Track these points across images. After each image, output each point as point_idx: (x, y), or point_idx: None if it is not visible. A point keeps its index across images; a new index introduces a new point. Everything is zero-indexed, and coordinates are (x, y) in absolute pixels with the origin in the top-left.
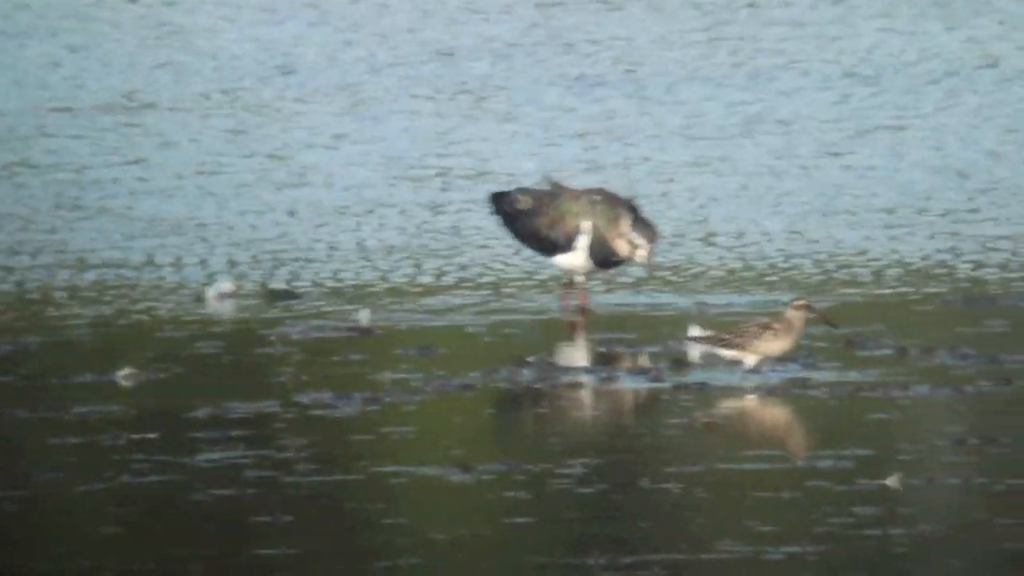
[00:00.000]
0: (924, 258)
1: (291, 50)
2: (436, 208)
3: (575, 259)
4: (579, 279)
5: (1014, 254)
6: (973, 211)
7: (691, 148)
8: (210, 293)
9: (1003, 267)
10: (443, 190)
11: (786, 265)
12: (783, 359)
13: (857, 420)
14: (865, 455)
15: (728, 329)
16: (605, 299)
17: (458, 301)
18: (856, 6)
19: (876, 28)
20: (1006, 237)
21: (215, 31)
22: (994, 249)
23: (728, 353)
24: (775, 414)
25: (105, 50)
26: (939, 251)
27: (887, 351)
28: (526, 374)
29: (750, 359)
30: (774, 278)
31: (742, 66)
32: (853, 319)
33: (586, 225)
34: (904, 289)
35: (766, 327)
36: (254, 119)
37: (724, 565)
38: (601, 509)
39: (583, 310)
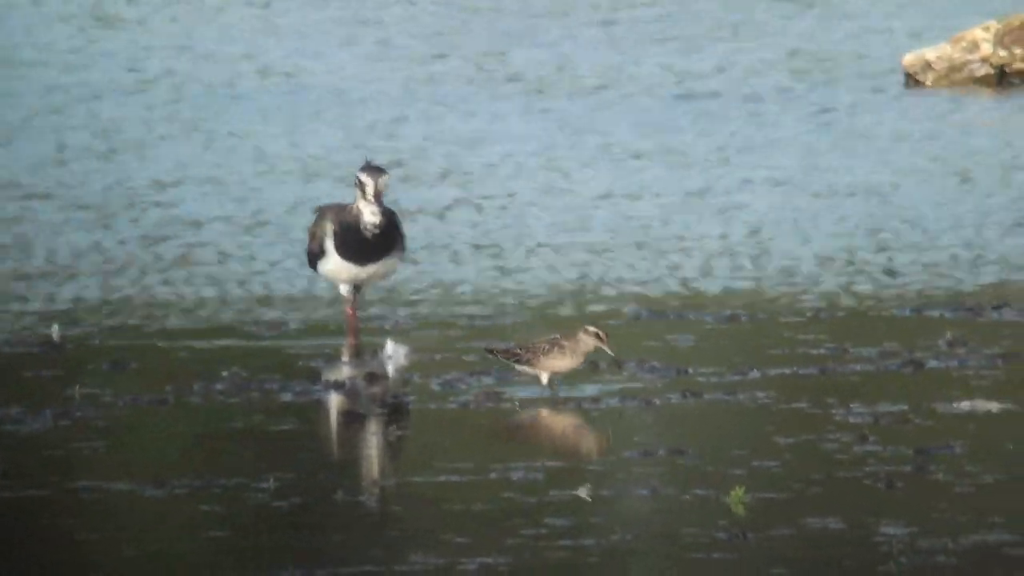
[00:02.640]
0: (613, 273)
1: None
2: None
3: (329, 261)
4: (345, 289)
5: (703, 268)
6: (663, 224)
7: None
8: None
9: (685, 283)
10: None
11: (493, 279)
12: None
13: (548, 432)
14: (556, 466)
15: (521, 345)
16: (307, 313)
17: (151, 316)
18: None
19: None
20: (690, 249)
21: None
22: (682, 263)
23: (521, 368)
24: (468, 427)
25: None
26: (628, 265)
27: None
28: (220, 389)
29: (543, 375)
30: (489, 293)
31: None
32: (546, 332)
33: (329, 227)
34: (595, 304)
35: (555, 344)
36: None
37: None
38: (296, 522)
39: (353, 328)
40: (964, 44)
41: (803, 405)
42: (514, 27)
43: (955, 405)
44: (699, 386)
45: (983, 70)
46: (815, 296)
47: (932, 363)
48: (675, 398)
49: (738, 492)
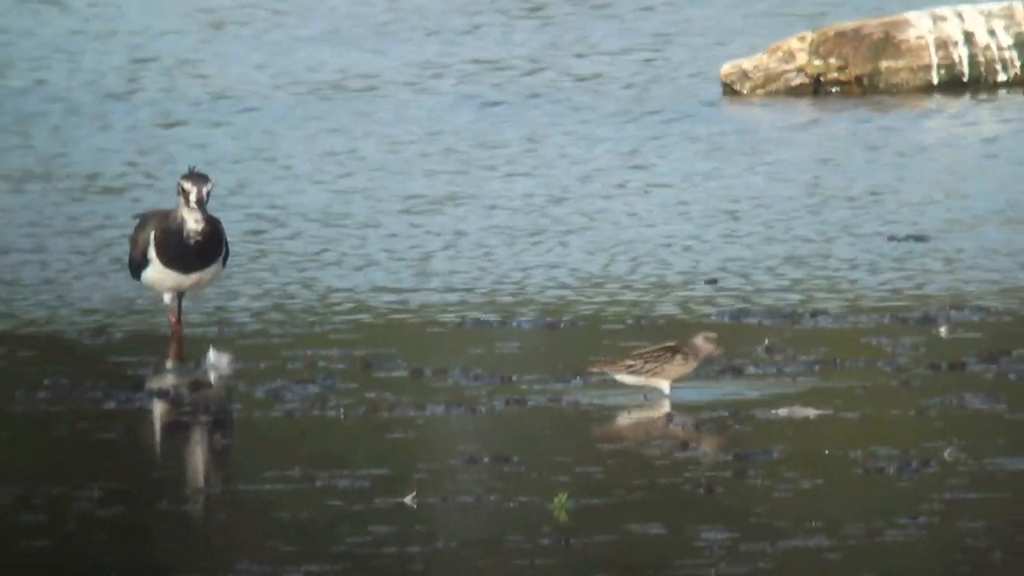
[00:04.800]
0: (440, 281)
1: None
2: None
3: (152, 269)
4: (168, 298)
5: (524, 275)
6: (486, 230)
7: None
8: None
9: (507, 290)
10: None
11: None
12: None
13: (374, 440)
14: (381, 474)
15: (636, 355)
16: (131, 321)
17: None
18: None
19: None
20: (511, 255)
21: None
22: (504, 269)
23: (635, 380)
24: (294, 435)
25: None
26: (455, 273)
27: (402, 372)
28: (43, 397)
29: (665, 384)
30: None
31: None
32: (370, 341)
33: (152, 234)
34: (421, 312)
35: (676, 351)
36: None
37: None
38: (121, 531)
39: (176, 337)
40: (780, 54)
41: (625, 412)
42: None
43: (773, 411)
44: (523, 393)
45: (799, 79)
46: (635, 303)
47: (751, 370)
48: (499, 405)
49: (561, 498)
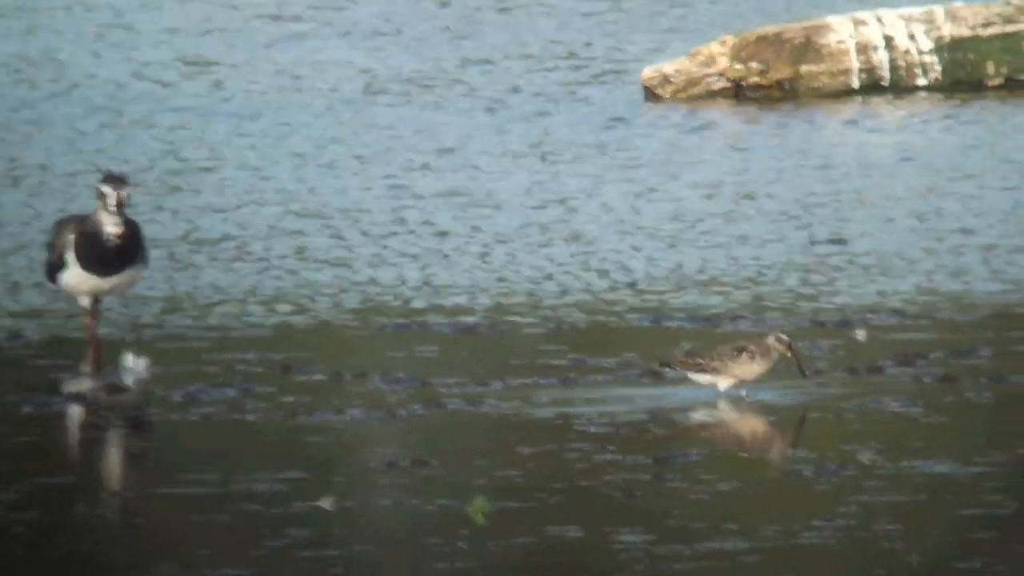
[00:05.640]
0: (360, 285)
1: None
2: None
3: (70, 273)
4: (86, 301)
5: (445, 278)
6: (410, 232)
7: None
8: None
9: (426, 293)
10: None
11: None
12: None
13: (292, 443)
14: (299, 477)
15: (704, 353)
16: (47, 324)
17: None
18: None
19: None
20: (432, 258)
21: None
22: (425, 272)
23: (700, 377)
24: (213, 438)
25: None
26: (376, 279)
27: (322, 376)
28: None
29: (724, 382)
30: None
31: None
32: (290, 345)
33: (70, 238)
34: (340, 316)
35: (744, 350)
36: None
37: None
38: (38, 535)
39: (94, 341)
40: (702, 58)
41: (544, 415)
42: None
43: (692, 414)
44: (442, 396)
45: (720, 84)
46: (555, 307)
47: (670, 373)
48: (419, 409)
49: (480, 502)
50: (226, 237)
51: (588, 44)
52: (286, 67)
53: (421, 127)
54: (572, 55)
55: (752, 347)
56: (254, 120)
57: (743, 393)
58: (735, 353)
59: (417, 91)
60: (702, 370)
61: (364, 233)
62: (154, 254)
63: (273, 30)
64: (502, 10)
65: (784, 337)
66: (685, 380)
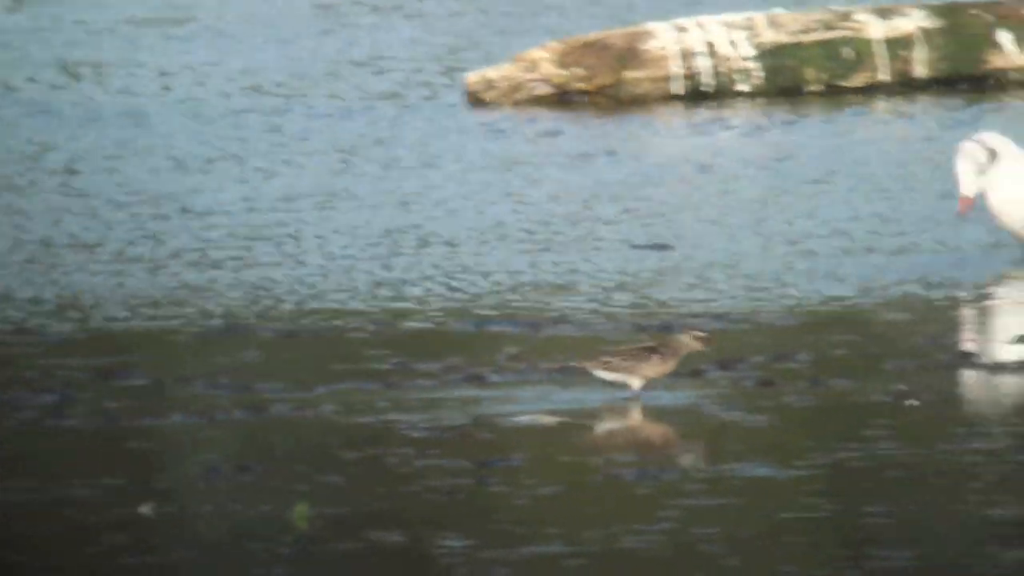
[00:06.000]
0: (182, 289)
1: None
2: None
3: None
4: None
5: (266, 281)
6: (226, 236)
7: None
8: None
9: (260, 300)
10: None
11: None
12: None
13: (112, 449)
14: (119, 484)
15: (613, 352)
16: None
17: None
18: None
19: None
20: (254, 262)
21: None
22: (248, 276)
23: (609, 376)
24: (30, 444)
25: None
26: (195, 283)
27: (143, 381)
28: None
29: (636, 381)
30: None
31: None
32: (111, 350)
33: None
34: (162, 320)
35: (654, 349)
36: None
37: None
38: None
39: None
40: (526, 63)
41: (367, 419)
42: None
43: (514, 419)
44: (264, 401)
45: (544, 89)
46: (378, 311)
47: (493, 378)
48: (240, 414)
49: (302, 507)
50: (47, 242)
51: (417, 46)
52: (152, 68)
53: (267, 129)
54: (415, 59)
55: (663, 347)
56: (116, 122)
57: (637, 394)
58: (647, 354)
59: (270, 93)
60: (614, 370)
61: (194, 236)
62: None
63: (150, 32)
64: (374, 9)
65: (702, 333)
66: (513, 384)
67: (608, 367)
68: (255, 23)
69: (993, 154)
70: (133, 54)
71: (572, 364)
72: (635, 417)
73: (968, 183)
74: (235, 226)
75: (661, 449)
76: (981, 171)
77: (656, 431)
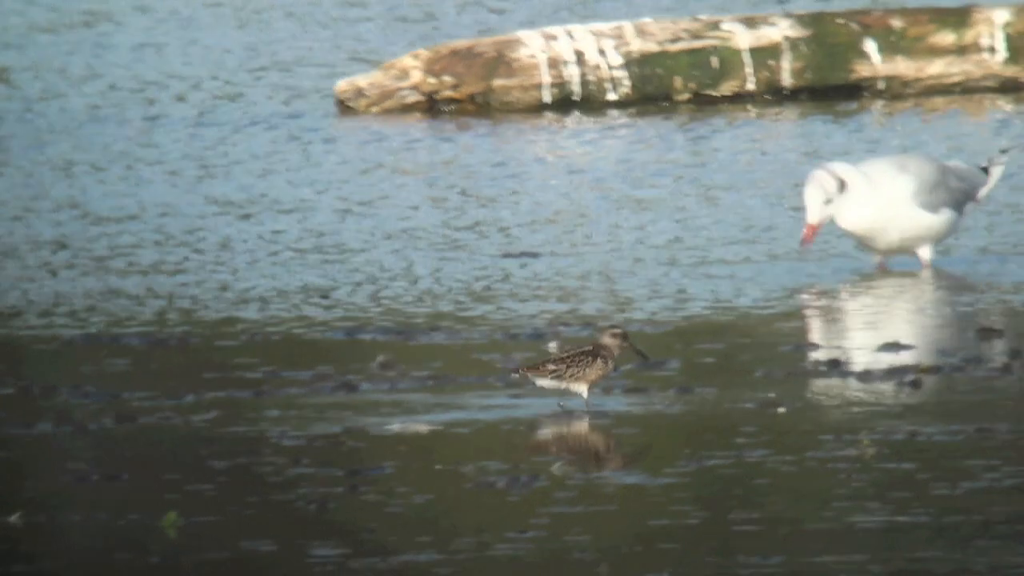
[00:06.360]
0: (47, 297)
1: None
2: None
3: None
4: None
5: (140, 287)
6: (107, 242)
7: None
8: None
9: (127, 305)
10: None
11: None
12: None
13: None
14: None
15: (552, 360)
16: None
17: None
18: None
19: None
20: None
21: None
22: (124, 290)
23: (558, 385)
24: None
25: None
26: (62, 290)
27: (9, 390)
28: None
29: (585, 388)
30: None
31: None
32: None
33: None
34: (29, 329)
35: (595, 354)
36: None
37: None
38: None
39: None
40: (395, 72)
41: (238, 428)
42: None
43: (386, 427)
44: (133, 410)
45: (413, 97)
46: (249, 319)
47: (365, 386)
48: (109, 423)
49: (171, 516)
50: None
51: (291, 53)
52: (48, 72)
53: (134, 135)
54: (276, 67)
55: (602, 350)
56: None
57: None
58: (590, 359)
59: (148, 98)
60: (560, 378)
61: (61, 245)
62: None
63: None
64: (288, 15)
65: (618, 330)
66: (384, 392)
67: (556, 376)
68: (137, 23)
69: (843, 184)
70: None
71: (515, 373)
72: (506, 425)
73: (815, 211)
74: (85, 236)
75: (532, 457)
76: (829, 200)
77: (527, 439)
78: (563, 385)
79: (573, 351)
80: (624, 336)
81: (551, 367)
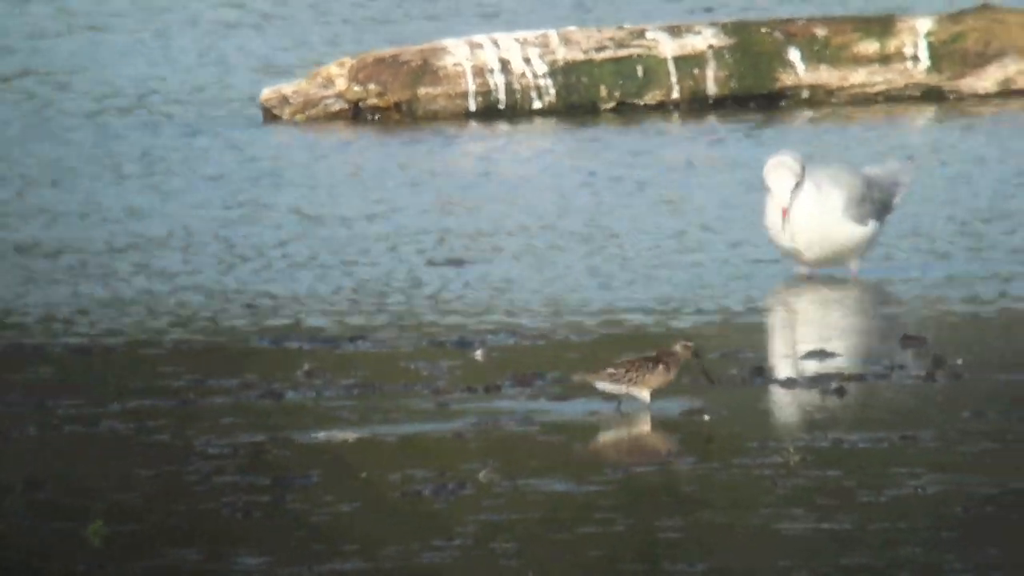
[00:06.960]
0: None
1: None
2: None
3: None
4: None
5: (59, 301)
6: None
7: None
8: None
9: (51, 312)
10: None
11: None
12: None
13: None
14: None
15: (618, 364)
16: None
17: None
18: None
19: None
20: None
21: None
22: (51, 297)
23: (616, 389)
24: None
25: None
26: None
27: None
28: None
29: (646, 393)
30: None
31: None
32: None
33: None
34: None
35: (658, 360)
36: None
37: None
38: None
39: None
40: (320, 79)
41: (163, 437)
42: None
43: (312, 435)
44: (59, 418)
45: (338, 105)
46: (173, 327)
47: (290, 394)
48: (33, 431)
49: (97, 525)
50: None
51: (220, 61)
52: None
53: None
54: (189, 72)
55: (666, 357)
56: None
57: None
58: (651, 364)
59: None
60: (619, 382)
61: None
62: None
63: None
64: (263, 19)
65: (689, 344)
66: (310, 400)
67: (614, 379)
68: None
69: (802, 173)
70: None
71: (575, 377)
72: (433, 432)
73: (785, 194)
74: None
75: (458, 464)
76: (798, 183)
77: (454, 446)
78: (623, 389)
79: (637, 357)
80: (695, 353)
81: (610, 371)
